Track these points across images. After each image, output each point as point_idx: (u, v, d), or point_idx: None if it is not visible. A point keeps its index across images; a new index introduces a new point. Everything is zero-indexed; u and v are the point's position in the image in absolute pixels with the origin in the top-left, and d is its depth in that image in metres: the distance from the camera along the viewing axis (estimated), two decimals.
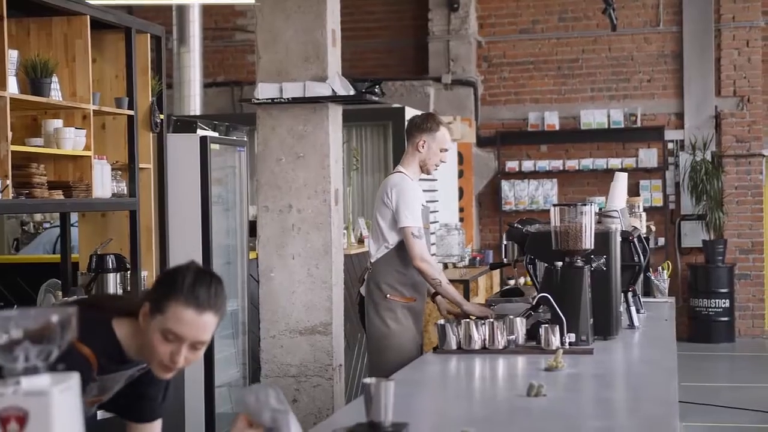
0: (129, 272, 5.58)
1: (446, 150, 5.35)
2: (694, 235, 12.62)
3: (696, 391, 9.25)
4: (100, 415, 4.56)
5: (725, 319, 12.32)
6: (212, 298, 2.57)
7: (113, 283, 5.44)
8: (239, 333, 6.87)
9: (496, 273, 11.23)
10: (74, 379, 1.80)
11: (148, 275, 5.83)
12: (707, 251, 12.39)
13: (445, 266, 10.27)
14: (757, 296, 12.68)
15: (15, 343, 1.76)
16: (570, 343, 4.26)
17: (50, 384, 1.76)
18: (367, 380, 2.74)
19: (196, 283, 2.56)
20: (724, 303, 12.28)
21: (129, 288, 5.61)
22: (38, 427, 1.72)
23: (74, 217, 6.07)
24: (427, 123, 5.33)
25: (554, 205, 4.49)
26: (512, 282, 11.93)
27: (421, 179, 7.24)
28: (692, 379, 9.91)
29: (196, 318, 2.54)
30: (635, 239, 5.08)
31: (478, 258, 11.19)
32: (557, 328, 4.22)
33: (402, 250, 5.18)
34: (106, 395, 2.80)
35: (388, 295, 5.22)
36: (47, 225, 8.52)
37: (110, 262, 5.44)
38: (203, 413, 6.24)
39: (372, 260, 5.32)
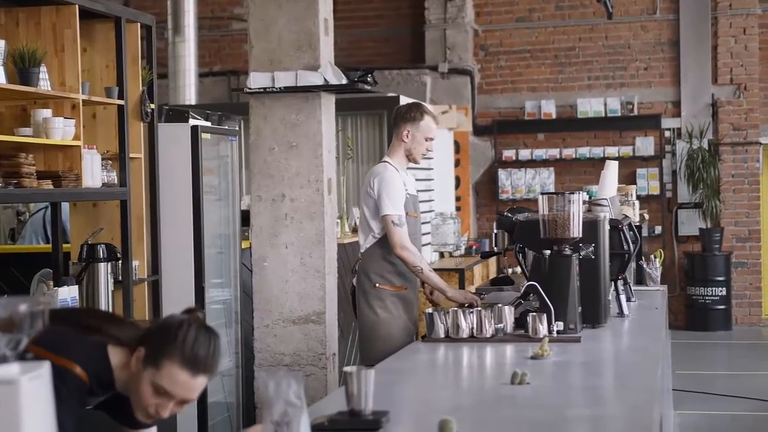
0: (120, 262, 5.58)
1: (431, 139, 5.35)
2: (690, 224, 12.62)
3: (692, 379, 9.27)
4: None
5: (722, 307, 12.33)
6: (209, 359, 2.60)
7: (104, 273, 5.44)
8: (232, 322, 6.87)
9: (493, 262, 11.23)
10: (44, 368, 1.80)
11: (140, 265, 5.84)
12: (704, 239, 12.39)
13: (441, 255, 10.28)
14: (754, 284, 12.68)
15: None
16: (558, 332, 4.27)
17: (19, 373, 1.76)
18: (348, 369, 2.75)
19: (195, 343, 2.58)
20: (721, 291, 12.29)
21: (120, 278, 5.61)
22: (7, 415, 1.72)
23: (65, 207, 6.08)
24: (410, 113, 5.34)
25: (542, 194, 4.49)
26: (509, 271, 11.94)
27: (417, 168, 7.26)
28: (689, 367, 9.92)
29: (190, 380, 2.58)
30: (625, 227, 5.08)
31: (474, 247, 11.20)
32: (545, 316, 4.22)
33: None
34: (89, 405, 2.78)
35: (377, 284, 5.25)
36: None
37: (101, 251, 5.44)
38: (195, 402, 6.24)
39: (361, 250, 5.36)
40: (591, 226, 4.56)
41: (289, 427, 2.59)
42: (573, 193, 4.43)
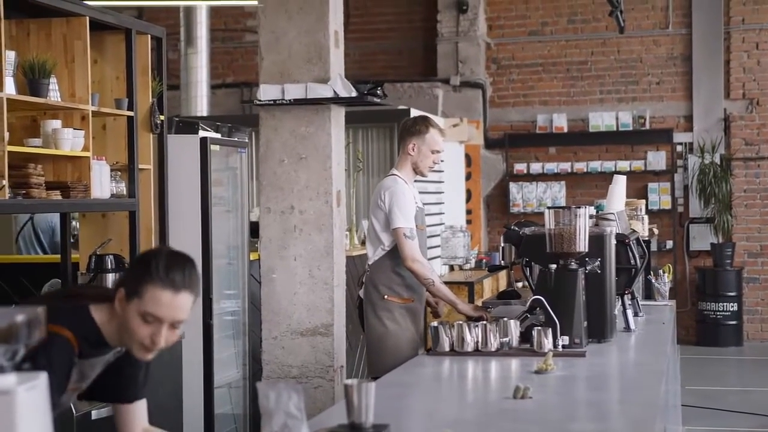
0: None
1: (438, 152, 5.38)
2: (702, 238, 12.58)
3: (703, 395, 9.23)
4: (96, 414, 4.60)
5: (733, 322, 12.28)
6: (186, 278, 2.68)
7: (112, 284, 5.45)
8: (240, 334, 6.88)
9: (503, 275, 11.21)
10: (41, 378, 1.81)
11: None
12: (715, 254, 12.35)
13: (451, 268, 10.27)
14: (766, 300, 12.63)
15: None
16: (563, 346, 4.26)
17: (15, 383, 1.77)
18: (348, 381, 2.75)
19: (169, 265, 2.67)
20: (732, 306, 12.25)
21: None
22: (3, 425, 1.73)
23: None
24: (416, 126, 5.38)
25: (548, 208, 4.49)
26: (519, 285, 11.91)
27: (427, 181, 7.26)
28: (699, 382, 9.89)
29: (173, 299, 2.65)
30: (632, 242, 5.07)
31: (484, 260, 11.18)
32: (550, 330, 4.22)
33: (398, 252, 5.22)
34: (84, 382, 2.83)
35: (385, 296, 5.27)
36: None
37: (109, 262, 5.46)
38: (202, 414, 6.26)
39: (369, 262, 5.38)
40: (597, 241, 4.55)
41: None
42: (579, 208, 4.43)
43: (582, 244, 4.39)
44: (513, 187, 12.97)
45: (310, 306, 5.71)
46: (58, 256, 5.83)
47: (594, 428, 3.02)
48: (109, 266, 5.44)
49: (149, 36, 5.91)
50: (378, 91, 6.08)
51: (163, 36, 6.08)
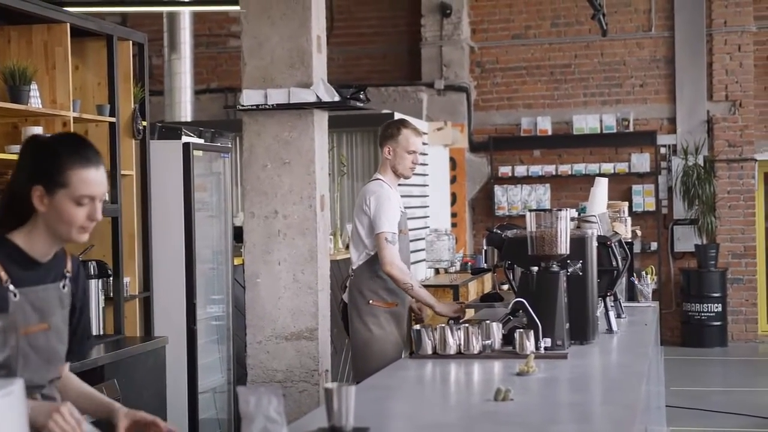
0: (111, 279, 5.59)
1: (414, 152, 5.43)
2: (686, 240, 12.63)
3: (688, 396, 9.27)
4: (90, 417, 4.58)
5: (718, 323, 12.33)
6: (94, 152, 2.75)
7: (95, 290, 5.45)
8: (224, 338, 6.88)
9: (488, 278, 11.23)
10: (17, 384, 1.82)
11: (131, 281, 5.85)
12: (700, 256, 12.39)
13: (437, 271, 10.29)
14: (750, 300, 12.69)
15: None
16: (545, 348, 4.27)
17: None
18: (328, 385, 2.76)
19: (78, 147, 2.72)
20: (717, 307, 12.29)
21: (112, 295, 5.62)
22: None
23: None
24: (388, 129, 5.48)
25: (530, 211, 4.50)
26: (505, 287, 11.92)
27: (411, 184, 7.27)
28: (684, 383, 9.92)
29: (96, 174, 2.71)
30: (614, 244, 5.09)
31: (470, 263, 11.20)
32: (532, 333, 4.23)
33: None
34: (48, 319, 2.76)
35: (370, 301, 5.32)
36: None
37: (92, 268, 5.45)
38: (186, 419, 6.25)
39: (353, 267, 5.42)
40: (579, 243, 4.57)
41: None
42: (560, 210, 4.45)
43: (563, 247, 4.41)
44: (498, 190, 12.99)
45: (295, 310, 5.72)
46: None
47: (575, 429, 3.03)
48: (92, 272, 5.44)
49: (131, 42, 5.91)
50: (361, 96, 6.09)
51: (145, 42, 6.08)
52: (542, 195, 12.92)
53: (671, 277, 12.71)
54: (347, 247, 8.23)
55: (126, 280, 5.76)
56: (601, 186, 5.58)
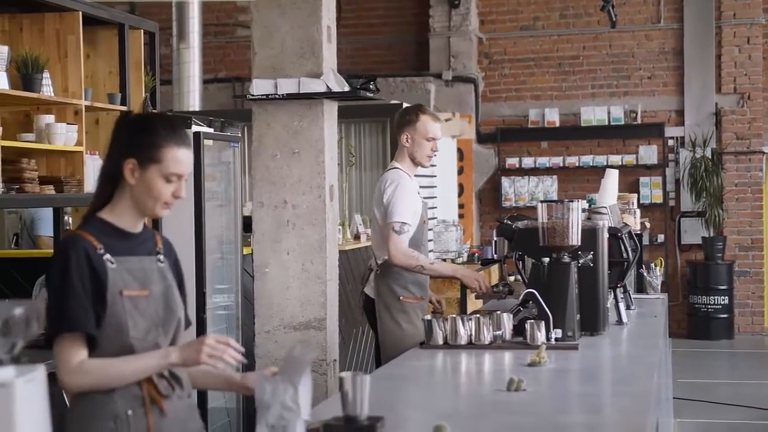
0: None
1: (433, 139, 5.28)
2: (693, 232, 12.62)
3: (694, 388, 9.27)
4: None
5: (724, 316, 12.32)
6: (186, 134, 2.89)
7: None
8: (233, 328, 6.89)
9: (495, 269, 11.23)
10: (39, 371, 1.82)
11: None
12: (707, 248, 12.39)
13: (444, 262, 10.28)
14: (757, 293, 12.68)
15: None
16: (556, 339, 4.27)
17: (14, 375, 1.78)
18: (343, 374, 2.76)
19: (172, 127, 2.84)
20: (724, 300, 12.29)
21: None
22: (1, 418, 1.74)
23: None
24: (406, 116, 5.31)
25: (541, 202, 4.50)
26: (512, 279, 11.92)
27: (419, 175, 7.23)
28: (690, 375, 9.93)
29: (187, 154, 2.84)
30: (624, 235, 5.09)
31: (477, 254, 11.19)
32: (543, 323, 4.23)
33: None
34: (148, 287, 2.86)
35: (401, 297, 5.19)
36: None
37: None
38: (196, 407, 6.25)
39: (379, 261, 5.26)
40: (590, 234, 4.56)
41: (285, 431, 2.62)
42: (572, 201, 4.44)
43: (575, 238, 4.41)
44: (505, 181, 12.99)
45: (303, 300, 5.72)
46: (51, 251, 5.83)
47: (588, 420, 3.03)
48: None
49: (142, 31, 5.91)
50: (371, 86, 6.08)
51: (156, 31, 6.09)
52: (549, 187, 12.92)
53: (678, 269, 12.70)
54: (356, 238, 8.24)
55: None
56: (612, 177, 5.57)
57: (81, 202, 5.41)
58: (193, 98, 10.73)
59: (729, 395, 9.08)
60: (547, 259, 4.42)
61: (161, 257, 2.94)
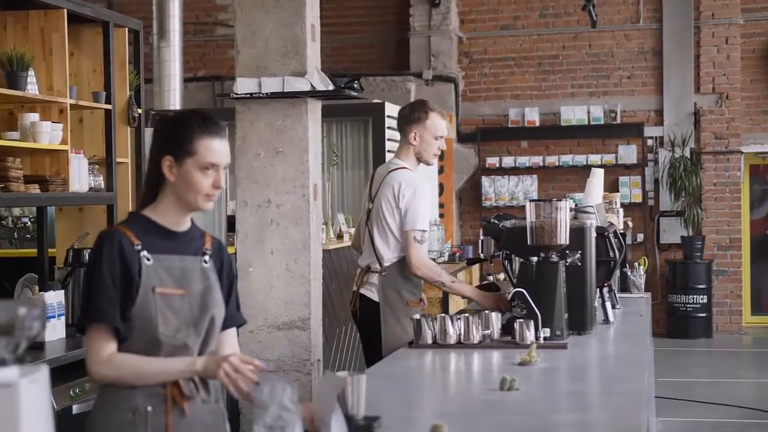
0: None
1: (441, 137, 5.12)
2: (672, 232, 12.69)
3: (673, 387, 9.31)
4: (76, 409, 4.57)
5: (703, 315, 12.39)
6: (219, 126, 2.94)
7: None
8: None
9: (476, 268, 11.25)
10: (43, 371, 1.81)
11: None
12: (685, 247, 12.45)
13: None
14: (735, 292, 12.76)
15: None
16: (545, 338, 4.27)
17: (18, 376, 1.76)
18: (340, 374, 2.75)
19: (205, 120, 2.90)
20: (702, 299, 12.36)
21: None
22: (5, 419, 1.72)
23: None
24: (414, 113, 5.11)
25: (530, 201, 4.50)
26: (491, 278, 11.95)
27: None
28: (670, 374, 9.97)
29: (221, 144, 2.89)
30: (611, 235, 5.10)
31: (458, 254, 11.21)
32: (532, 323, 4.24)
33: None
34: (187, 287, 2.89)
35: (409, 302, 5.05)
36: (26, 219, 8.50)
37: (87, 256, 5.41)
38: None
39: (384, 263, 5.07)
40: (578, 234, 4.57)
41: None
42: (560, 200, 4.45)
43: (563, 237, 4.41)
44: (485, 180, 13.01)
45: (287, 300, 5.71)
46: (35, 250, 5.79)
47: (581, 419, 3.04)
48: (87, 260, 5.40)
49: (126, 29, 5.87)
50: (355, 85, 6.08)
51: (140, 29, 6.05)
52: (529, 186, 12.95)
53: (657, 268, 12.76)
54: (339, 237, 8.23)
55: None
56: (597, 177, 5.58)
57: (66, 201, 5.38)
58: (173, 97, 10.64)
59: (708, 394, 9.13)
60: (535, 259, 4.43)
61: (207, 258, 2.96)
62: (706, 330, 12.42)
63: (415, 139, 5.10)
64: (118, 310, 2.79)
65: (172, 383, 2.83)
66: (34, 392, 1.77)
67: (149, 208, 2.92)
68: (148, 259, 2.84)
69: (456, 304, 8.86)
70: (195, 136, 2.86)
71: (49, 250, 5.78)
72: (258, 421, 2.65)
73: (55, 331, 4.82)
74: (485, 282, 6.78)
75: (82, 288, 2.84)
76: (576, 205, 5.48)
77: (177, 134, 2.89)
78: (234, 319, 3.06)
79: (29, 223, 8.67)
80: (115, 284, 2.78)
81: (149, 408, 2.81)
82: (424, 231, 4.97)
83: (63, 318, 4.93)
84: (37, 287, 5.45)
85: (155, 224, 2.90)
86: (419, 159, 5.17)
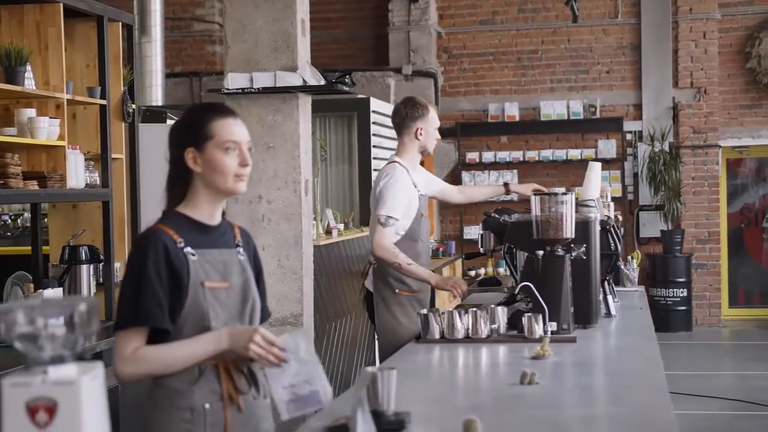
0: (102, 264, 5.52)
1: (437, 127, 5.42)
2: (652, 225, 12.75)
3: None
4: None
5: (683, 308, 12.47)
6: (228, 108, 2.97)
7: (86, 275, 5.37)
8: None
9: (458, 263, 11.28)
10: (99, 368, 1.78)
11: (121, 266, 5.77)
12: (665, 241, 12.52)
13: None
14: (714, 285, 12.85)
15: (40, 332, 1.74)
16: (552, 332, 4.27)
17: (78, 373, 1.74)
18: (370, 369, 2.74)
19: (211, 106, 2.94)
20: (682, 292, 12.43)
21: (102, 280, 5.54)
22: (67, 416, 1.71)
23: None
24: (417, 110, 5.30)
25: (535, 194, 4.50)
26: (472, 273, 11.98)
27: (377, 169, 7.12)
28: None
29: (235, 122, 2.90)
30: (612, 228, 5.12)
31: (440, 249, 11.23)
32: (540, 317, 4.23)
33: (406, 243, 5.12)
34: (228, 279, 2.87)
35: (397, 290, 5.18)
36: (6, 217, 8.41)
37: (83, 253, 5.37)
38: None
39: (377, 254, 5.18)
40: (582, 227, 4.57)
41: (311, 383, 2.64)
42: (565, 194, 4.45)
43: (568, 230, 4.41)
44: (465, 175, 13.02)
45: (279, 296, 5.69)
46: (29, 247, 5.73)
47: (612, 412, 3.04)
48: (84, 257, 5.36)
49: (120, 23, 5.82)
50: (346, 80, 6.07)
51: (134, 23, 6.00)
52: (509, 181, 12.95)
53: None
54: (328, 233, 8.20)
55: (116, 264, 5.68)
56: (595, 170, 5.59)
57: (64, 198, 5.32)
58: (155, 93, 10.58)
59: (689, 386, 9.18)
60: (541, 252, 4.42)
61: (241, 250, 2.96)
62: (686, 323, 12.50)
63: (420, 134, 5.29)
64: (167, 312, 2.76)
65: (227, 379, 2.81)
66: (93, 388, 1.75)
67: (182, 205, 2.90)
68: (193, 255, 2.82)
69: (442, 302, 8.87)
70: (208, 120, 2.86)
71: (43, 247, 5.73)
72: (275, 385, 2.67)
73: None
74: (485, 277, 6.78)
75: (122, 290, 2.76)
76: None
77: (191, 125, 2.90)
78: (264, 312, 3.04)
79: (9, 221, 8.59)
80: (162, 286, 2.75)
81: (207, 406, 2.78)
82: (389, 216, 5.08)
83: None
84: (32, 285, 5.40)
85: (191, 219, 2.88)
86: (423, 152, 5.38)
